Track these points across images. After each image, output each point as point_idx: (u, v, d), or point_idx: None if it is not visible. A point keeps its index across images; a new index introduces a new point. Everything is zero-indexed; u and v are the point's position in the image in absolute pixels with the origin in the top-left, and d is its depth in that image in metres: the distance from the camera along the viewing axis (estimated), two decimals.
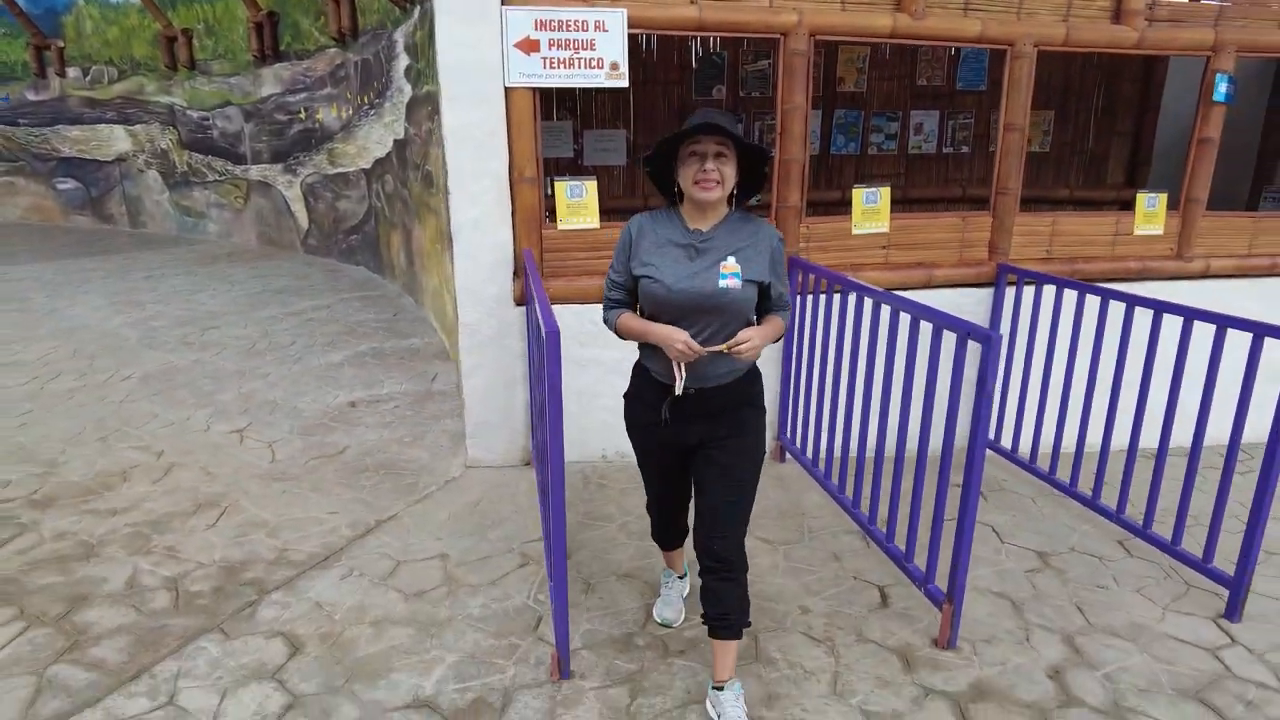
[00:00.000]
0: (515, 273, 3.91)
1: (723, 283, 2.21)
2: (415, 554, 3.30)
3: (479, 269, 3.86)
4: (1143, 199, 4.54)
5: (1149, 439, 3.52)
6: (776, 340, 2.39)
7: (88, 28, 11.97)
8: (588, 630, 2.82)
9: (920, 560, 3.04)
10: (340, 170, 9.01)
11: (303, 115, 9.48)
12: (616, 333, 2.40)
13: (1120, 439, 3.68)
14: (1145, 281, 4.50)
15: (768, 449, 3.12)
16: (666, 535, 2.82)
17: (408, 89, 6.49)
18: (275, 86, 9.81)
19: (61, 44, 12.28)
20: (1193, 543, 3.33)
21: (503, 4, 3.55)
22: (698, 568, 2.44)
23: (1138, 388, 3.51)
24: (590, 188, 3.95)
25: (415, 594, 3.02)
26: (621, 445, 4.13)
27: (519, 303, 3.94)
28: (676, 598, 2.95)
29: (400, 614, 2.89)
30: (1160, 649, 2.83)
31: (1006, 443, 4.32)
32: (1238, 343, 3.05)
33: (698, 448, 2.41)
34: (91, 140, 12.61)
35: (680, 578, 3.00)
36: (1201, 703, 2.57)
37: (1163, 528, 3.45)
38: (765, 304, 2.36)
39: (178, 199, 12.01)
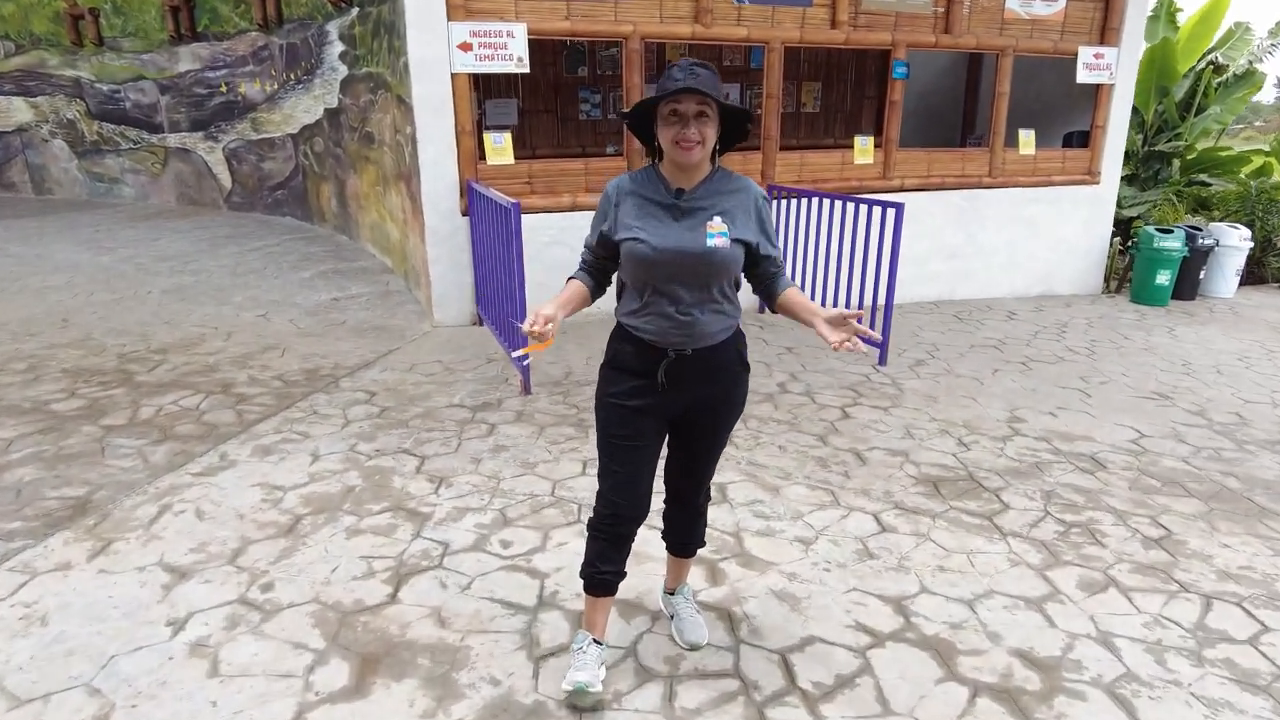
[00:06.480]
0: (461, 193, 6.03)
1: (710, 242, 2.15)
2: (421, 360, 5.43)
3: (439, 191, 5.96)
4: (858, 140, 7.14)
5: (868, 284, 6.11)
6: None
7: None
8: (535, 379, 5.07)
9: None
10: (265, 136, 10.62)
11: (224, 89, 10.95)
12: None
13: (843, 285, 6.26)
14: (863, 194, 7.09)
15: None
16: (616, 557, 2.38)
17: (343, 69, 8.32)
18: (193, 64, 11.19)
19: None
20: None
21: (449, 20, 5.64)
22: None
23: (854, 254, 6.08)
24: (507, 138, 6.12)
25: (429, 375, 5.17)
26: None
27: (464, 214, 6.07)
28: (594, 663, 2.40)
29: (425, 381, 5.05)
30: (840, 375, 5.38)
31: None
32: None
33: (684, 414, 2.34)
34: None
35: (597, 643, 2.43)
36: (852, 390, 5.11)
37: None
38: (756, 267, 2.29)
39: (88, 166, 13.05)
